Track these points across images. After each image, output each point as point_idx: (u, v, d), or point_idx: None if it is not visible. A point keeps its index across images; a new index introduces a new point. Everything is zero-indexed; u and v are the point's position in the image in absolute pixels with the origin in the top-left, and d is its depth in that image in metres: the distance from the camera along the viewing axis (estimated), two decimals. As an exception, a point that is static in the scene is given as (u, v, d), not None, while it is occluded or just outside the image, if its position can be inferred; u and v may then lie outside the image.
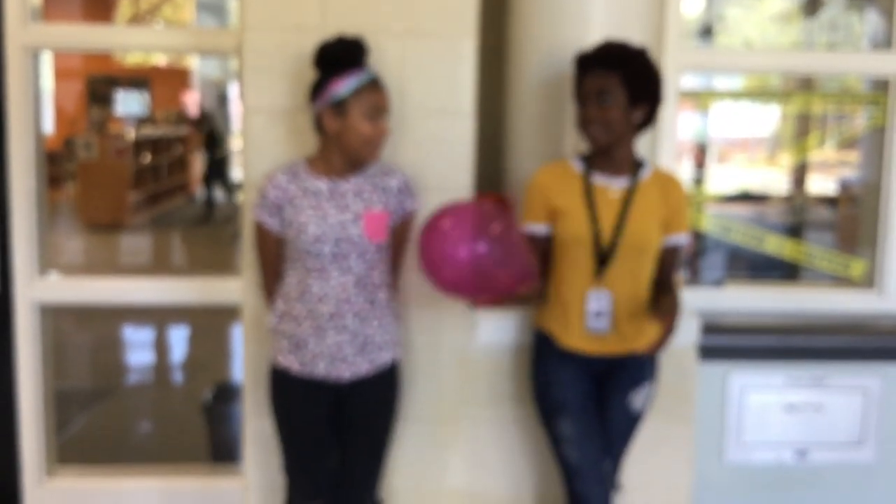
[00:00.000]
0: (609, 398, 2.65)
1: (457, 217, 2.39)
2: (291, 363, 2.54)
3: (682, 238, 2.65)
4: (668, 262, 2.66)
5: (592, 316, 2.56)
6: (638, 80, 2.51)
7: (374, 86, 2.47)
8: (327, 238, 2.46)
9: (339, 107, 2.44)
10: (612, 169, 2.59)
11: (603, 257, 2.54)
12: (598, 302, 2.56)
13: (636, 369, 2.64)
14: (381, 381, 2.60)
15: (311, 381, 2.54)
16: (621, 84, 2.49)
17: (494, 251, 2.30)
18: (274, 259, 2.58)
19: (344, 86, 2.42)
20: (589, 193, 2.57)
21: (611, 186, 2.58)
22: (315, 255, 2.47)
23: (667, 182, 2.63)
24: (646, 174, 2.61)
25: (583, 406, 2.61)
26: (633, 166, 2.61)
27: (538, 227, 2.63)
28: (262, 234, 2.56)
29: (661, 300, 2.54)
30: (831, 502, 3.47)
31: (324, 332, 2.49)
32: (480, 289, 2.36)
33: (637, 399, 2.65)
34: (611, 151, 2.56)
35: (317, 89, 2.47)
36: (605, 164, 2.59)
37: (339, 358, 2.51)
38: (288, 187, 2.51)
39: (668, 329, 2.42)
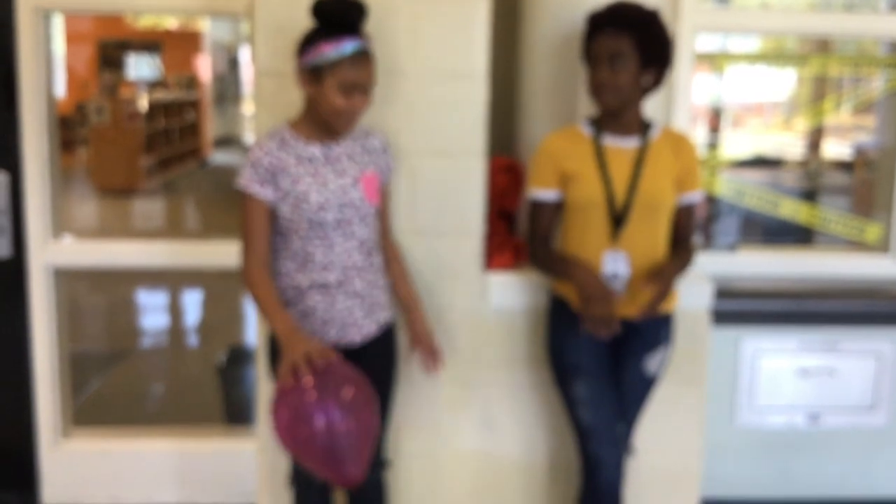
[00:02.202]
0: (624, 362, 2.65)
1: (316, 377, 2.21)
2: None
3: (695, 196, 2.64)
4: (683, 222, 2.65)
5: (609, 278, 2.55)
6: (650, 43, 2.48)
7: (356, 60, 2.33)
8: (330, 205, 2.41)
9: (316, 73, 2.35)
10: (621, 130, 2.58)
11: (618, 218, 2.53)
12: (614, 263, 2.54)
13: (651, 333, 2.64)
14: (385, 340, 2.61)
15: None
16: (633, 46, 2.46)
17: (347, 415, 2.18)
18: (263, 234, 2.40)
19: (322, 54, 2.32)
20: (600, 155, 2.56)
21: (622, 146, 2.57)
22: (318, 223, 2.40)
23: (678, 141, 2.62)
24: (655, 133, 2.60)
25: (598, 369, 2.62)
26: (643, 127, 2.60)
27: (548, 193, 2.62)
28: (253, 207, 2.38)
29: (659, 268, 2.52)
30: (843, 466, 3.48)
31: (333, 299, 2.47)
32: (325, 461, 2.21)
33: (652, 363, 2.65)
34: (620, 114, 2.55)
35: (303, 46, 2.37)
36: (615, 126, 2.58)
37: (349, 323, 2.51)
38: (279, 154, 2.39)
39: (657, 294, 2.45)
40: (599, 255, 2.55)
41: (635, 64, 2.48)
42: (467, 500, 3.02)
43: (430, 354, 2.68)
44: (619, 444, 2.64)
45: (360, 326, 2.53)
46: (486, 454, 2.99)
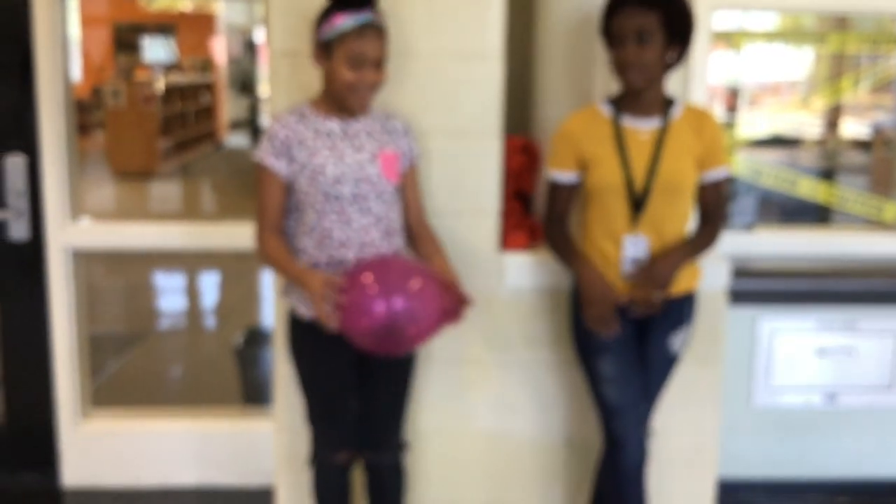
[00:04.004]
0: (649, 340, 2.64)
1: (377, 272, 2.31)
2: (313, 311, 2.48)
3: (720, 172, 2.60)
4: (710, 199, 2.62)
5: (629, 262, 2.54)
6: (675, 19, 2.46)
7: (363, 32, 2.33)
8: (346, 178, 2.41)
9: (327, 47, 2.37)
10: (642, 110, 2.55)
11: (637, 202, 2.52)
12: (634, 247, 2.54)
13: (676, 312, 2.63)
14: None
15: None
16: (660, 23, 2.43)
17: (411, 307, 2.26)
18: (276, 207, 2.44)
19: (331, 28, 2.34)
20: (619, 138, 2.54)
21: (641, 128, 2.54)
22: (335, 196, 2.40)
23: (699, 118, 2.59)
24: (677, 112, 2.57)
25: (624, 347, 2.60)
26: (664, 105, 2.57)
27: (566, 175, 2.61)
28: (267, 179, 2.42)
29: (651, 266, 2.52)
30: (860, 446, 3.47)
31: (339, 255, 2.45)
32: (390, 342, 2.30)
33: (676, 341, 2.64)
34: (643, 92, 2.52)
35: (317, 22, 2.39)
36: (635, 107, 2.55)
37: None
38: (297, 127, 2.43)
39: (654, 293, 2.50)
40: (620, 240, 2.54)
41: (661, 41, 2.45)
42: (483, 480, 3.03)
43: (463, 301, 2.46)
44: (643, 424, 2.64)
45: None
46: (503, 434, 3.00)
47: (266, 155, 2.41)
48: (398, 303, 2.24)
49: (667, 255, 2.53)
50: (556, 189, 2.64)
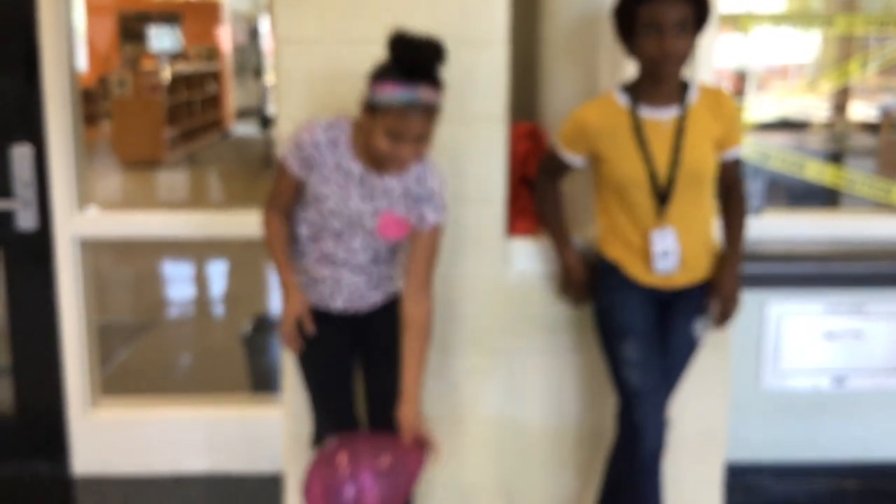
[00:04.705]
0: (672, 325, 2.63)
1: (350, 450, 2.43)
2: (307, 297, 2.55)
3: (739, 150, 2.61)
4: (732, 176, 2.64)
5: (659, 256, 2.53)
6: (703, 6, 2.43)
7: (407, 111, 2.20)
8: (342, 216, 2.41)
9: (372, 109, 2.25)
10: (660, 100, 2.50)
11: (662, 196, 2.50)
12: (662, 241, 2.52)
13: (700, 297, 2.63)
14: (393, 307, 2.60)
15: (328, 313, 2.55)
16: (693, 12, 2.40)
17: (380, 485, 2.38)
18: (287, 195, 2.46)
19: (379, 94, 2.22)
20: (639, 131, 2.50)
21: (660, 118, 2.51)
22: (329, 221, 2.43)
23: (715, 97, 2.55)
24: (693, 96, 2.53)
25: (647, 331, 2.60)
26: (680, 91, 2.53)
27: (573, 159, 2.62)
28: (284, 171, 2.43)
29: (717, 279, 2.63)
30: (868, 429, 3.47)
31: (339, 274, 2.49)
32: None
33: (698, 326, 2.64)
34: (663, 82, 2.48)
35: (371, 76, 2.27)
36: (655, 96, 2.50)
37: (356, 296, 2.53)
38: (325, 152, 2.37)
39: (728, 308, 2.64)
40: (646, 233, 2.53)
41: (693, 29, 2.42)
42: (491, 466, 3.03)
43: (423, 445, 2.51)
44: (662, 411, 2.63)
45: (367, 297, 2.55)
46: (511, 420, 3.00)
47: (289, 156, 2.40)
48: (367, 483, 2.37)
49: (725, 271, 2.62)
50: (557, 160, 2.66)
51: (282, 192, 2.47)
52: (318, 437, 2.69)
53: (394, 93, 2.20)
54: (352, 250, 2.46)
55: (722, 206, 2.67)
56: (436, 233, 2.47)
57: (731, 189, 2.65)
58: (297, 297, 2.51)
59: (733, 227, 2.67)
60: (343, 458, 2.39)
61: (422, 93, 2.21)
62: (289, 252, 2.53)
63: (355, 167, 2.39)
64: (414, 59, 2.22)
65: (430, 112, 2.25)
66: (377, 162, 2.35)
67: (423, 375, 2.52)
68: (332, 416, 2.67)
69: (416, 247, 2.47)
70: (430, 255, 2.48)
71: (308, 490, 2.40)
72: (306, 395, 2.68)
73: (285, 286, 2.52)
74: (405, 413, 2.48)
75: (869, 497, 3.41)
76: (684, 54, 2.42)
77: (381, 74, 2.24)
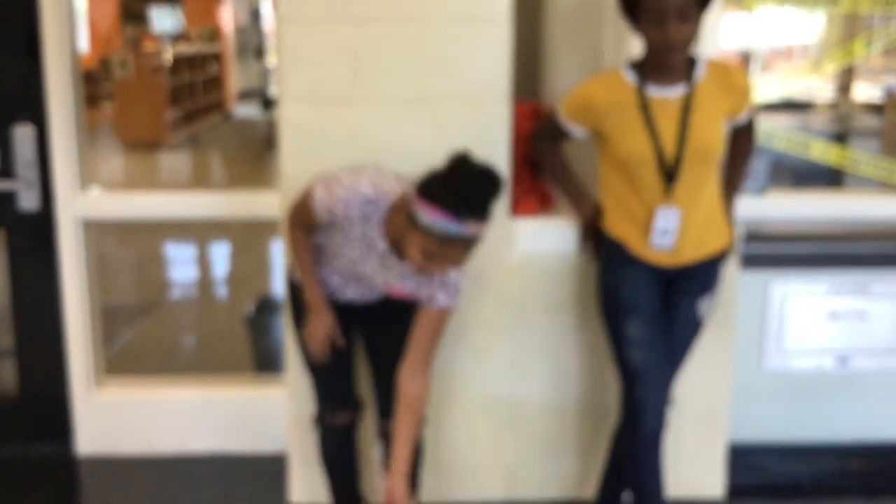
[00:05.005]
0: (677, 303, 2.63)
1: None
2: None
3: (750, 113, 2.66)
4: (746, 137, 2.70)
5: (659, 233, 2.52)
6: None
7: (449, 241, 2.12)
8: (354, 272, 2.45)
9: (412, 220, 2.16)
10: (668, 78, 2.49)
11: (669, 174, 2.49)
12: (666, 219, 2.52)
13: (705, 276, 2.63)
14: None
15: (334, 300, 2.57)
16: None
17: None
18: (310, 223, 2.40)
19: (423, 213, 2.13)
20: (646, 109, 2.49)
21: (667, 97, 2.50)
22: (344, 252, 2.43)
23: (725, 72, 2.55)
24: (701, 73, 2.52)
25: (651, 310, 2.60)
26: (687, 69, 2.52)
27: (575, 129, 2.63)
28: (311, 206, 2.35)
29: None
30: (871, 409, 3.47)
31: (346, 282, 2.53)
32: None
33: (703, 306, 2.64)
34: (671, 62, 2.46)
35: (420, 189, 2.16)
36: (661, 75, 2.49)
37: (366, 296, 2.57)
38: (355, 224, 2.32)
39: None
40: (652, 210, 2.53)
41: (696, 14, 2.41)
42: (494, 445, 3.04)
43: None
44: (665, 390, 2.63)
45: (376, 293, 2.57)
46: (516, 399, 3.00)
47: (319, 203, 2.32)
48: None
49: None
50: (557, 127, 2.67)
51: (306, 219, 2.40)
52: (320, 418, 2.70)
53: (440, 221, 2.11)
54: (364, 274, 2.47)
55: (729, 145, 2.69)
56: (444, 315, 2.42)
57: (740, 148, 2.71)
58: (325, 316, 2.51)
59: (736, 163, 2.75)
60: None
61: (469, 227, 2.13)
62: (316, 271, 2.51)
63: (381, 244, 2.36)
64: (470, 196, 2.12)
65: (472, 243, 2.18)
66: (402, 252, 2.30)
67: (412, 453, 2.49)
68: (333, 397, 2.69)
69: (422, 322, 2.42)
70: (435, 335, 2.44)
71: None
72: (307, 375, 2.69)
73: (313, 305, 2.51)
74: (393, 488, 2.44)
75: (872, 477, 3.41)
76: (688, 40, 2.41)
77: (432, 195, 2.13)
